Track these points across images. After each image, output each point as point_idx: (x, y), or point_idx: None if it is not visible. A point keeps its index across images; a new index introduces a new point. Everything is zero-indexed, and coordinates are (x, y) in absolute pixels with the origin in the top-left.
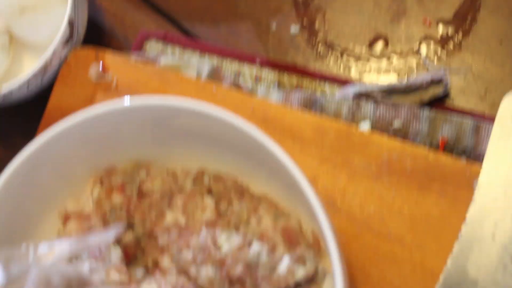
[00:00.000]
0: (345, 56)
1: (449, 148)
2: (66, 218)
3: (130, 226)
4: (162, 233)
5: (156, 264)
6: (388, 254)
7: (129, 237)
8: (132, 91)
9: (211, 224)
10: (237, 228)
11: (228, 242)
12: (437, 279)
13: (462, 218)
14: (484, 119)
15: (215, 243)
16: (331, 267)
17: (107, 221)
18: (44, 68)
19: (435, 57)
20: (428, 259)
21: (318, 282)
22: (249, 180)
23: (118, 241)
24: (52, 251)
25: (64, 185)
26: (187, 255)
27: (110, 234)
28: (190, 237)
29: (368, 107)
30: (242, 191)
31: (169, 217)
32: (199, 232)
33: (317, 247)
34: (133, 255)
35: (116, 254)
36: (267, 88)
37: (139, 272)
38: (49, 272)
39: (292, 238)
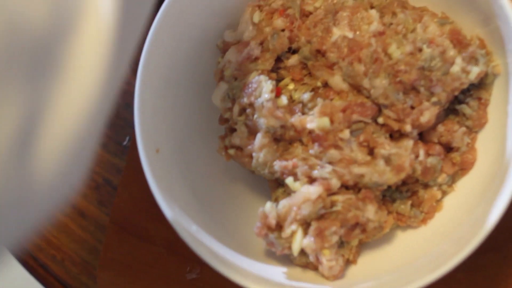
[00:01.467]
0: None
1: None
2: (225, 48)
3: (293, 50)
4: (331, 50)
5: (325, 85)
6: None
7: (293, 61)
8: None
9: (380, 35)
10: (405, 37)
11: (398, 50)
12: None
13: None
14: None
15: (386, 52)
16: (500, 68)
17: (267, 47)
18: None
19: None
20: None
21: (487, 87)
22: None
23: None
24: None
25: (218, 19)
26: (359, 68)
27: None
28: (360, 50)
29: None
30: (403, 4)
31: (336, 33)
32: (369, 44)
33: (485, 50)
34: (300, 80)
35: (267, 87)
36: None
37: (306, 96)
38: None
39: (461, 40)
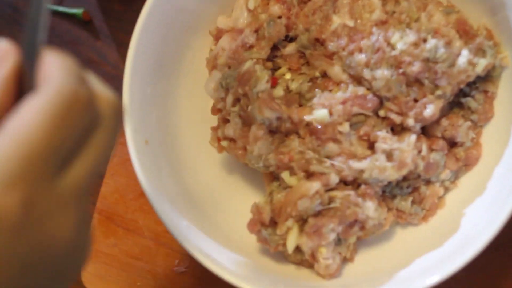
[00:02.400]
0: None
1: None
2: (218, 35)
3: (290, 39)
4: (330, 39)
5: (324, 75)
6: None
7: (290, 49)
8: None
9: (382, 24)
10: (408, 26)
11: (402, 40)
12: None
13: None
14: None
15: (388, 42)
16: (508, 60)
17: (263, 35)
18: None
19: None
20: None
21: (493, 79)
22: None
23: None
24: None
25: (212, 4)
26: (360, 58)
27: None
28: (361, 39)
29: None
30: None
31: (336, 21)
32: (370, 34)
33: (493, 41)
34: (297, 69)
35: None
36: None
37: (303, 86)
38: None
39: (468, 30)
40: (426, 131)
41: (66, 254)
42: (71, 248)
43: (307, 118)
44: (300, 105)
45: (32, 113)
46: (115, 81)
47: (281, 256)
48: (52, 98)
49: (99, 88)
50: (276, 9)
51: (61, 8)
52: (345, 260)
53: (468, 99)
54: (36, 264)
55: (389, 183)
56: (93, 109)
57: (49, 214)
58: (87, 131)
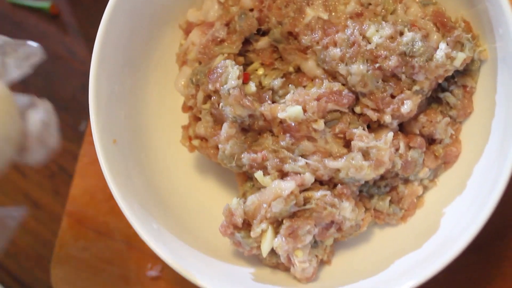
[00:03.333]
0: None
1: None
2: (188, 29)
3: (262, 32)
4: (304, 32)
5: (298, 70)
6: None
7: (263, 44)
8: None
9: (357, 16)
10: (384, 19)
11: (377, 33)
12: None
13: None
14: None
15: (363, 36)
16: (487, 54)
17: (234, 28)
18: None
19: None
20: None
21: (472, 73)
22: None
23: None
24: None
25: None
26: (335, 52)
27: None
28: (336, 33)
29: None
30: None
31: (310, 14)
32: (345, 27)
33: (471, 34)
34: (270, 64)
35: (234, 73)
36: None
37: (276, 82)
38: None
39: (445, 23)
40: (403, 127)
41: None
42: None
43: (280, 115)
44: (273, 102)
45: None
46: (82, 76)
47: (256, 259)
48: None
49: None
50: (248, 1)
51: (28, 2)
52: (322, 263)
53: (447, 94)
54: None
55: (366, 182)
56: None
57: None
58: None
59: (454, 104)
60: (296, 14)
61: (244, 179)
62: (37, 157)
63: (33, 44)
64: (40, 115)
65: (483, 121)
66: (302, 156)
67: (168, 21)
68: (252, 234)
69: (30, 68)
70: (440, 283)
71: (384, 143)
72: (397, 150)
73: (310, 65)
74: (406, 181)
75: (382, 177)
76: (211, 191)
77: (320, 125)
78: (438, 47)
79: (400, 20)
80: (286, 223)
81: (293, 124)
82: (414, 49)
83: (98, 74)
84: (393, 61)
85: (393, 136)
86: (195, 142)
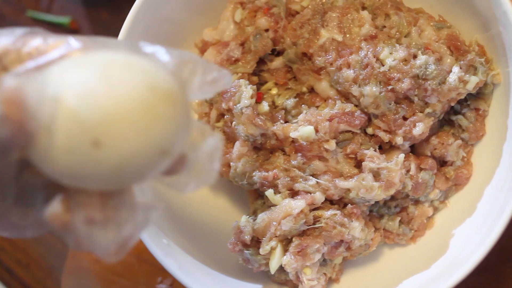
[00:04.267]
0: None
1: None
2: (203, 47)
3: (277, 52)
4: (318, 53)
5: (311, 91)
6: None
7: (277, 64)
8: None
9: (371, 39)
10: (398, 42)
11: (391, 55)
12: None
13: None
14: None
15: (377, 58)
16: (500, 77)
17: (249, 48)
18: None
19: None
20: None
21: (485, 97)
22: None
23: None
24: None
25: (197, 16)
26: (348, 74)
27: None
28: (350, 55)
29: None
30: (398, 5)
31: (325, 35)
32: (359, 49)
33: (485, 58)
34: (283, 84)
35: (247, 93)
36: None
37: (289, 102)
38: None
39: (459, 46)
40: (415, 149)
41: None
42: None
43: (292, 135)
44: (286, 121)
45: None
46: None
47: (264, 275)
48: None
49: None
50: (263, 21)
51: (48, 17)
52: (331, 281)
53: (459, 116)
54: None
55: (377, 202)
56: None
57: None
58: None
59: (466, 127)
60: (311, 35)
61: (255, 197)
62: (188, 187)
63: (224, 71)
64: (214, 142)
65: (494, 144)
66: (313, 175)
67: (184, 40)
68: (261, 251)
69: (212, 94)
70: None
71: (395, 165)
72: (408, 171)
73: (323, 86)
74: (417, 202)
75: (393, 198)
76: (222, 208)
77: (331, 145)
78: (451, 71)
79: (414, 43)
80: (295, 241)
81: (304, 144)
82: (427, 72)
83: None
84: (406, 84)
85: (405, 158)
86: None
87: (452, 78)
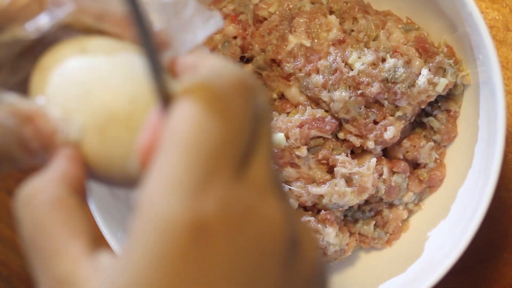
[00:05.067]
0: None
1: None
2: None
3: (246, 59)
4: (286, 59)
5: (282, 97)
6: None
7: (246, 70)
8: None
9: (339, 43)
10: (367, 46)
11: (360, 60)
12: None
13: None
14: None
15: (346, 62)
16: (470, 78)
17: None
18: None
19: None
20: None
21: (456, 98)
22: None
23: None
24: None
25: None
26: (317, 79)
27: None
28: (318, 60)
29: None
30: (365, 8)
31: (293, 41)
32: (327, 54)
33: (454, 59)
34: None
35: None
36: None
37: None
38: None
39: (428, 48)
40: (387, 152)
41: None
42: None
43: None
44: None
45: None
46: None
47: None
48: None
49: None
50: (231, 29)
51: None
52: None
53: (430, 118)
54: None
55: (351, 207)
56: (258, 96)
57: (252, 209)
58: (257, 119)
59: (438, 129)
60: (279, 41)
61: None
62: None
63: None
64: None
65: (467, 145)
66: (286, 182)
67: None
68: None
69: (211, 32)
70: None
71: (367, 169)
72: (380, 175)
73: (293, 92)
74: (391, 205)
75: (367, 202)
76: None
77: (303, 151)
78: (420, 73)
79: (382, 46)
80: None
81: (276, 151)
82: (396, 76)
83: None
84: (375, 88)
85: (377, 162)
86: None
87: (421, 80)
